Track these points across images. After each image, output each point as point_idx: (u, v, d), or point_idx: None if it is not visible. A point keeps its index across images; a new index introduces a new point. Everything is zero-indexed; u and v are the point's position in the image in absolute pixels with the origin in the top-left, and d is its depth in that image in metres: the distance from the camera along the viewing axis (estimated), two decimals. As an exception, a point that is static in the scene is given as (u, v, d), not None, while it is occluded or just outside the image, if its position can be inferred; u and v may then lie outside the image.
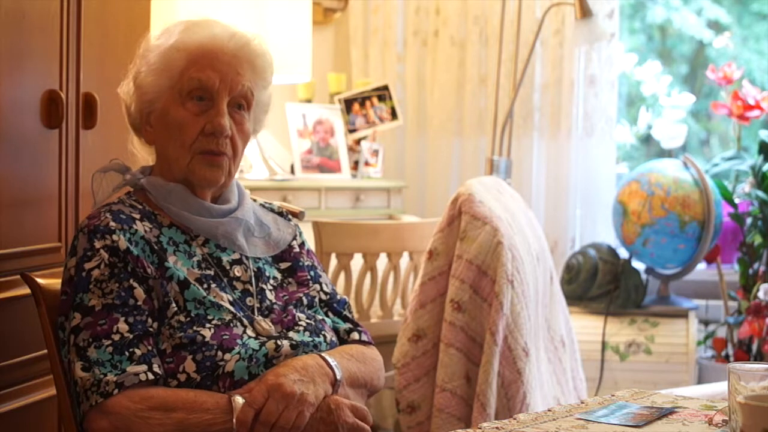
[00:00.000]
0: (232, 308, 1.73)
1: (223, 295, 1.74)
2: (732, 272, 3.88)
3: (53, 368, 1.73)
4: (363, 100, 4.01)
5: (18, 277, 1.84)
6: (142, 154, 1.86)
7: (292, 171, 3.83)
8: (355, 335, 1.89)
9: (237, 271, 1.79)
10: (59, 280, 1.73)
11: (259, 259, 1.84)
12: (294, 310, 1.80)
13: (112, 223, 1.69)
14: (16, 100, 1.97)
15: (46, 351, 1.76)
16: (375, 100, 4.01)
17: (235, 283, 1.78)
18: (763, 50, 4.43)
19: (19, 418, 2.00)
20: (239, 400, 1.62)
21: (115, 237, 1.68)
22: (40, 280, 1.76)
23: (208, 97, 1.75)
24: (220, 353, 1.66)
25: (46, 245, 2.07)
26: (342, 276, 3.10)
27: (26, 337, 1.99)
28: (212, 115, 1.75)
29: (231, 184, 1.84)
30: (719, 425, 1.55)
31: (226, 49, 1.76)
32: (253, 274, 1.80)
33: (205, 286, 1.73)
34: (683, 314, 3.81)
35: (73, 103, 2.13)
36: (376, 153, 4.04)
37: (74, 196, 2.15)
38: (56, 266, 1.84)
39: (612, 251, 3.92)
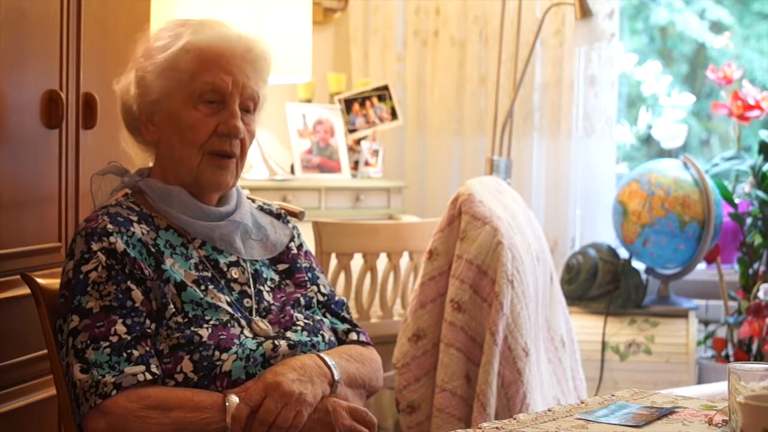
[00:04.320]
0: (229, 309, 1.73)
1: (221, 296, 1.74)
2: (732, 272, 3.88)
3: (53, 368, 1.73)
4: (363, 100, 4.01)
5: (18, 277, 1.84)
6: (136, 153, 1.85)
7: (292, 171, 3.83)
8: (354, 336, 1.90)
9: (234, 273, 1.79)
10: (59, 281, 1.73)
11: (256, 261, 1.84)
12: (292, 311, 1.80)
13: (109, 226, 1.69)
14: (16, 100, 1.97)
15: (46, 351, 1.76)
16: (375, 100, 4.01)
17: (232, 284, 1.78)
18: (765, 50, 4.43)
19: (19, 418, 2.00)
20: (234, 399, 1.62)
21: (112, 239, 1.68)
22: (40, 280, 1.76)
23: (219, 99, 1.75)
24: (217, 353, 1.66)
25: (46, 245, 2.07)
26: (342, 276, 3.10)
27: (26, 337, 1.99)
28: (226, 116, 1.75)
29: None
30: (719, 425, 1.55)
31: (236, 52, 1.76)
32: (250, 276, 1.80)
33: (203, 287, 1.73)
34: (683, 314, 3.81)
35: (73, 103, 2.13)
36: (376, 153, 4.04)
37: (74, 196, 2.15)
38: (56, 266, 1.84)
39: (612, 251, 3.92)
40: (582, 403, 1.70)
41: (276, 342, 1.71)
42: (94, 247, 1.67)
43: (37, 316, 1.76)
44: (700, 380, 3.74)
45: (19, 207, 2.00)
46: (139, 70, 1.78)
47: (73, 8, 2.12)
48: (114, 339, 1.62)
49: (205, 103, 1.75)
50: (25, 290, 1.80)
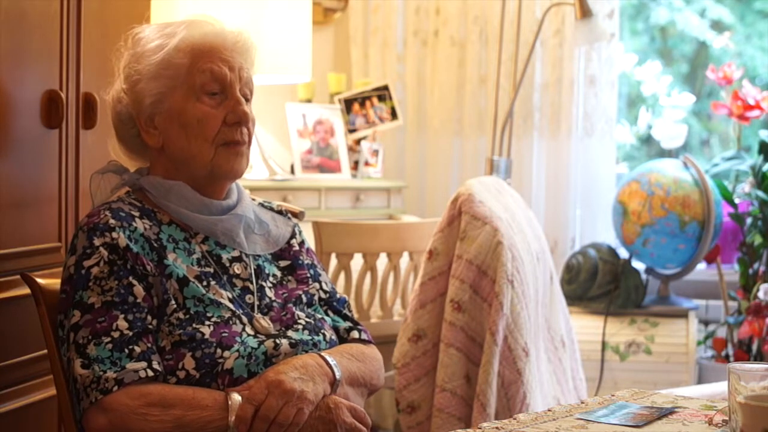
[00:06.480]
0: (231, 306, 1.73)
1: (223, 292, 1.74)
2: (732, 272, 3.88)
3: (53, 368, 1.73)
4: (363, 100, 4.01)
5: (18, 277, 1.84)
6: (125, 162, 1.85)
7: (292, 171, 3.83)
8: (355, 334, 1.90)
9: (237, 268, 1.79)
10: (59, 280, 1.72)
11: (259, 256, 1.84)
12: (293, 308, 1.81)
13: (111, 221, 1.69)
14: (16, 100, 1.97)
15: (46, 351, 1.76)
16: (375, 100, 4.01)
17: (234, 280, 1.78)
18: (767, 48, 4.43)
19: (19, 418, 2.00)
20: (236, 397, 1.62)
21: (114, 234, 1.68)
22: (40, 280, 1.76)
23: (220, 90, 1.77)
24: (219, 351, 1.66)
25: (46, 245, 2.07)
26: (342, 276, 3.10)
27: (26, 337, 1.99)
28: (231, 104, 1.77)
29: None
30: (719, 425, 1.55)
31: (227, 44, 1.79)
32: (252, 271, 1.81)
33: (205, 283, 1.73)
34: (683, 314, 3.81)
35: (73, 103, 2.13)
36: (376, 153, 4.04)
37: (74, 196, 2.15)
38: (56, 266, 1.85)
39: (612, 251, 3.92)
40: (582, 403, 1.70)
41: (277, 341, 1.71)
42: (96, 242, 1.67)
43: (37, 316, 1.76)
44: (700, 380, 3.74)
45: (19, 207, 2.00)
46: (131, 76, 1.78)
47: (73, 8, 2.12)
48: (116, 335, 1.62)
49: (208, 95, 1.76)
50: (25, 290, 1.80)
